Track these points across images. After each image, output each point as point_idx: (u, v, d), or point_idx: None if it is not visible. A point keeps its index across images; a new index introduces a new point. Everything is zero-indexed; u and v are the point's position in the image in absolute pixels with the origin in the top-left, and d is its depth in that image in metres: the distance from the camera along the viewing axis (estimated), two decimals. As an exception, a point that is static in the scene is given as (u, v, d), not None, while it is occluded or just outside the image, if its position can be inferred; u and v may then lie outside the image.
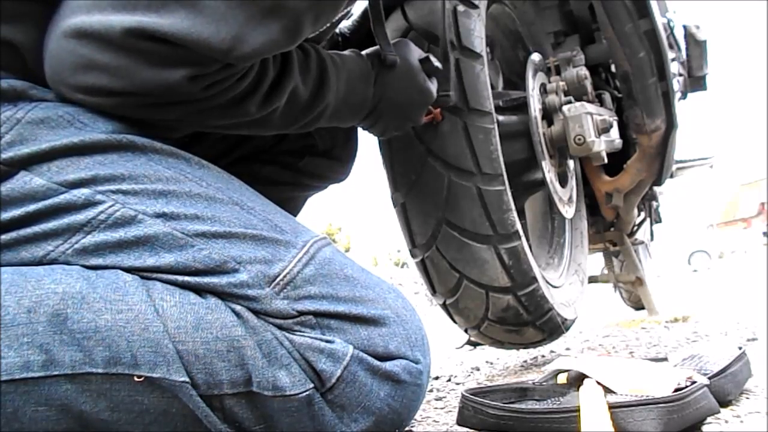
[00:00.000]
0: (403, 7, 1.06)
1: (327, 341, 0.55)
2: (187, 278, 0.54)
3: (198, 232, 0.54)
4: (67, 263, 0.53)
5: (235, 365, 0.52)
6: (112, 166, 0.54)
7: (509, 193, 1.04)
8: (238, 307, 0.54)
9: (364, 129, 0.94)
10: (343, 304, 0.57)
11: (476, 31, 1.04)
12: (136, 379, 0.50)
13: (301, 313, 0.56)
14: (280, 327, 0.55)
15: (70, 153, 0.54)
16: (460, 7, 1.04)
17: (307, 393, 0.54)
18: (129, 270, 0.53)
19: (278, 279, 0.55)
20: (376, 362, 0.57)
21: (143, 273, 0.53)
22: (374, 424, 0.58)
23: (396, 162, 1.08)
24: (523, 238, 1.06)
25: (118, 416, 0.50)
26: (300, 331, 0.55)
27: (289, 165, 1.03)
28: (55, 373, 0.48)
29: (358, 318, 0.57)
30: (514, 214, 1.05)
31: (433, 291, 1.15)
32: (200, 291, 0.54)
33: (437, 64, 0.92)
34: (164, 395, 0.51)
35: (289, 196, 1.05)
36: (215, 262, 0.54)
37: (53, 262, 0.53)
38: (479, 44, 1.04)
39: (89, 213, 0.53)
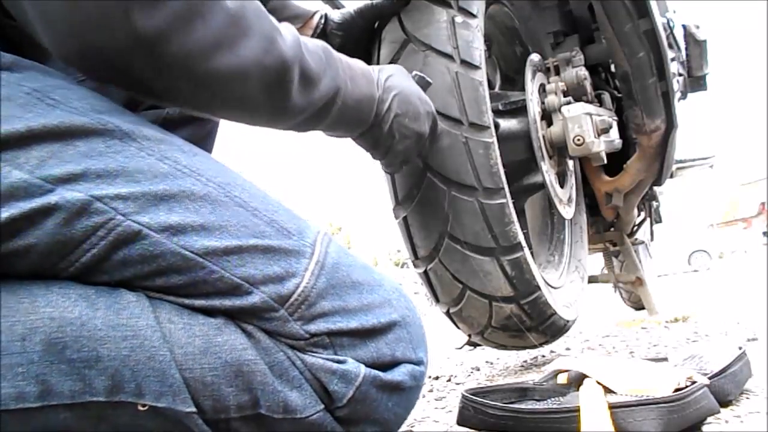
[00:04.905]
0: (400, 17, 1.04)
1: (339, 361, 0.54)
2: (195, 301, 0.51)
3: (208, 250, 0.50)
4: (66, 278, 0.49)
5: (243, 390, 0.51)
6: (102, 159, 0.48)
7: (511, 206, 1.03)
8: (249, 327, 0.52)
9: (367, 148, 0.87)
10: (355, 319, 0.56)
11: (475, 43, 1.02)
12: (140, 407, 0.47)
13: (315, 335, 0.54)
14: (292, 347, 0.53)
15: (49, 138, 0.47)
16: (458, 18, 1.02)
17: (318, 414, 0.54)
18: (135, 286, 0.50)
19: (292, 299, 0.53)
20: (386, 377, 0.57)
21: (149, 292, 0.50)
22: (380, 431, 0.58)
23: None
24: (526, 249, 1.06)
25: None
26: (313, 351, 0.54)
27: None
28: (53, 403, 0.45)
29: (368, 331, 0.56)
30: (517, 225, 1.04)
31: (437, 300, 1.14)
32: (209, 311, 0.52)
33: (429, 80, 0.92)
34: (168, 421, 0.49)
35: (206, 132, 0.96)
36: (228, 286, 0.51)
37: (50, 275, 0.49)
38: (478, 57, 1.02)
39: (86, 224, 0.47)
